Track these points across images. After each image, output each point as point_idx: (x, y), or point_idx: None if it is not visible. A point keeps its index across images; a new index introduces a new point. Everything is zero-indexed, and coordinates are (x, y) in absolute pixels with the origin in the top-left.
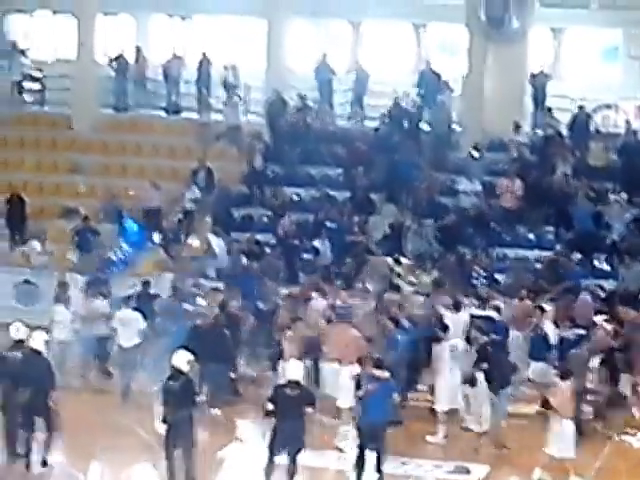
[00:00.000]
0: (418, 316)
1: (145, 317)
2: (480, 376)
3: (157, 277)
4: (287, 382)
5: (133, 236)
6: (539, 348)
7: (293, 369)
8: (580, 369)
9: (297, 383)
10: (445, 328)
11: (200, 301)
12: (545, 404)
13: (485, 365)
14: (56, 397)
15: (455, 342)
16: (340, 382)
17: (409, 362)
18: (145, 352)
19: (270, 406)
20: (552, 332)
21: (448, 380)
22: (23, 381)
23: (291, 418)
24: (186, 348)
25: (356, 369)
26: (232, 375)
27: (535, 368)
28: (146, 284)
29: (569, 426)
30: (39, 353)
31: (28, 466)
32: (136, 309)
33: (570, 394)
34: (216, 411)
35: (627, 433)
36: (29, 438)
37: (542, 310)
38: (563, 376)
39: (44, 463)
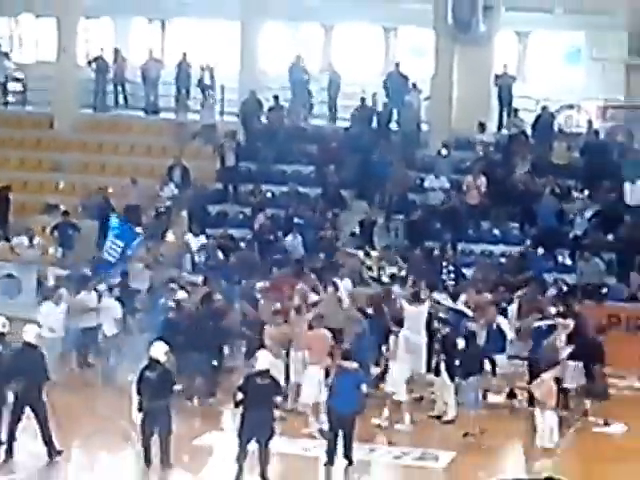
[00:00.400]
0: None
1: (124, 305)
2: (442, 366)
3: (138, 272)
4: (257, 372)
5: (122, 232)
6: (495, 340)
7: (263, 359)
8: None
9: (267, 372)
10: (399, 320)
11: (180, 294)
12: (531, 400)
13: (443, 356)
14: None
15: (407, 333)
16: (306, 379)
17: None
18: (124, 342)
19: (240, 395)
20: (506, 325)
21: (403, 370)
22: (16, 373)
23: (260, 407)
24: (166, 340)
25: (323, 366)
26: (214, 365)
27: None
28: (124, 275)
29: (553, 417)
30: (33, 346)
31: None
32: (117, 299)
33: (553, 386)
34: (194, 400)
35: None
36: (15, 428)
37: (497, 304)
38: (545, 368)
39: (50, 454)
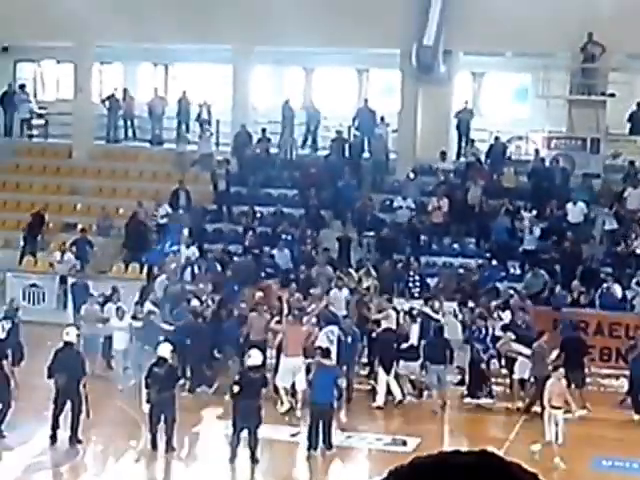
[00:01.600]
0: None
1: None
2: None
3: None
4: (250, 367)
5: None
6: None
7: (255, 356)
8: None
9: (258, 367)
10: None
11: (195, 302)
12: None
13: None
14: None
15: (332, 329)
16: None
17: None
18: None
19: (236, 388)
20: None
21: None
22: (58, 370)
23: (251, 397)
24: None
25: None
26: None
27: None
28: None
29: (562, 417)
30: (71, 345)
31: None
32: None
33: (563, 386)
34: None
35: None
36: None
37: (410, 315)
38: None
39: (71, 440)
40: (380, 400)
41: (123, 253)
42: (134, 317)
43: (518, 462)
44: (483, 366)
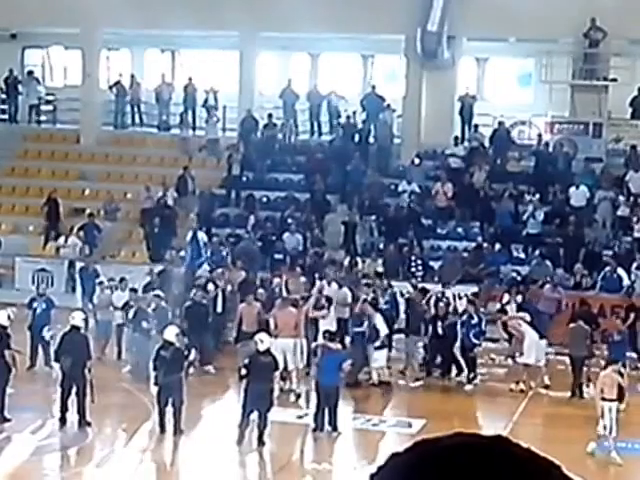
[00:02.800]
0: None
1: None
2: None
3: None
4: (261, 351)
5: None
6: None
7: (265, 340)
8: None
9: (268, 351)
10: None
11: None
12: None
13: None
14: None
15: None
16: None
17: None
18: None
19: (244, 371)
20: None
21: None
22: (64, 353)
23: (262, 381)
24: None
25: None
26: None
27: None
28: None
29: (614, 407)
30: (78, 329)
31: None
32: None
33: (616, 378)
34: (209, 368)
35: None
36: (67, 400)
37: (373, 305)
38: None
39: (80, 423)
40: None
41: (137, 238)
42: (126, 304)
43: (532, 449)
44: (474, 352)
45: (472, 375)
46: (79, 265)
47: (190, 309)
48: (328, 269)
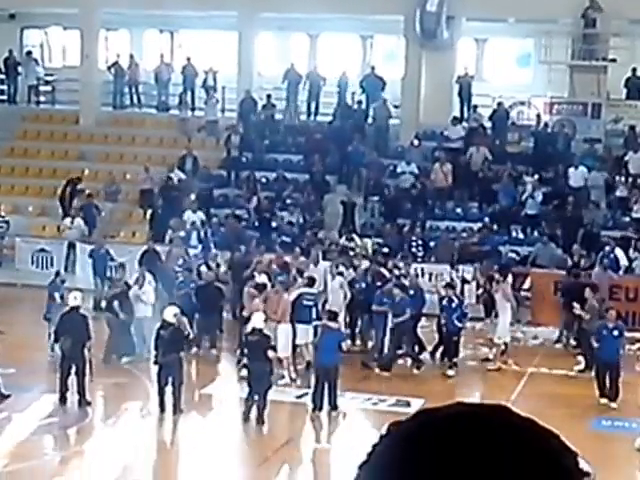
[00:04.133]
0: None
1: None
2: None
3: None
4: (251, 330)
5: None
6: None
7: (256, 319)
8: None
9: (259, 330)
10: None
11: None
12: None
13: None
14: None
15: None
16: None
17: None
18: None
19: (245, 350)
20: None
21: None
22: (63, 333)
23: (256, 360)
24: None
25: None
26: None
27: None
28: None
29: None
30: (77, 309)
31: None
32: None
33: None
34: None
35: None
36: (67, 379)
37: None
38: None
39: (80, 402)
40: None
41: (137, 218)
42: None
43: (532, 418)
44: (459, 335)
45: (455, 360)
46: (90, 247)
47: (202, 289)
48: (314, 249)
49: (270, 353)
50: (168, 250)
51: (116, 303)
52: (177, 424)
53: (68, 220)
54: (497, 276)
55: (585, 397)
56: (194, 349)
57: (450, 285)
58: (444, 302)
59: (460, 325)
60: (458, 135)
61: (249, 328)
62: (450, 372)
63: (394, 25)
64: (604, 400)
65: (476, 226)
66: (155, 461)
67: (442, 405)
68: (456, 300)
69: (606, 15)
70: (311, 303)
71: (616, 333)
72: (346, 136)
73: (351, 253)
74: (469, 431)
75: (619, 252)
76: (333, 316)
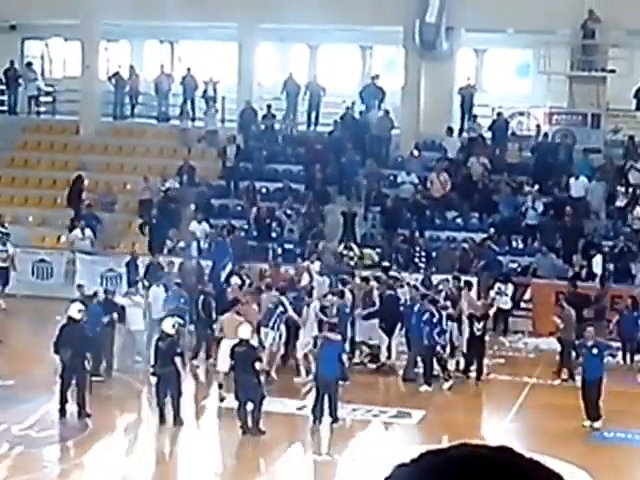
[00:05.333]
0: None
1: None
2: None
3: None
4: (238, 341)
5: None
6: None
7: (241, 331)
8: None
9: (246, 341)
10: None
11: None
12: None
13: None
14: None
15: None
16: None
17: None
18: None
19: (231, 362)
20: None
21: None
22: (63, 345)
23: (243, 371)
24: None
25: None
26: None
27: None
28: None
29: None
30: (76, 321)
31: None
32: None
33: None
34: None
35: None
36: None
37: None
38: None
39: (79, 414)
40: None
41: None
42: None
43: (537, 459)
44: (439, 350)
45: (446, 374)
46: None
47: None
48: (310, 260)
49: (257, 364)
50: (180, 263)
51: (115, 315)
52: (177, 436)
53: (78, 231)
54: (462, 286)
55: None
56: (193, 361)
57: (431, 300)
58: (425, 316)
59: (439, 340)
60: (454, 145)
61: (236, 339)
62: (423, 388)
63: (393, 36)
64: (587, 422)
65: (477, 236)
66: (155, 473)
67: (447, 446)
68: (437, 315)
69: (605, 26)
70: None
71: (595, 351)
72: (345, 146)
73: (351, 263)
74: (474, 474)
75: (597, 259)
76: (333, 327)
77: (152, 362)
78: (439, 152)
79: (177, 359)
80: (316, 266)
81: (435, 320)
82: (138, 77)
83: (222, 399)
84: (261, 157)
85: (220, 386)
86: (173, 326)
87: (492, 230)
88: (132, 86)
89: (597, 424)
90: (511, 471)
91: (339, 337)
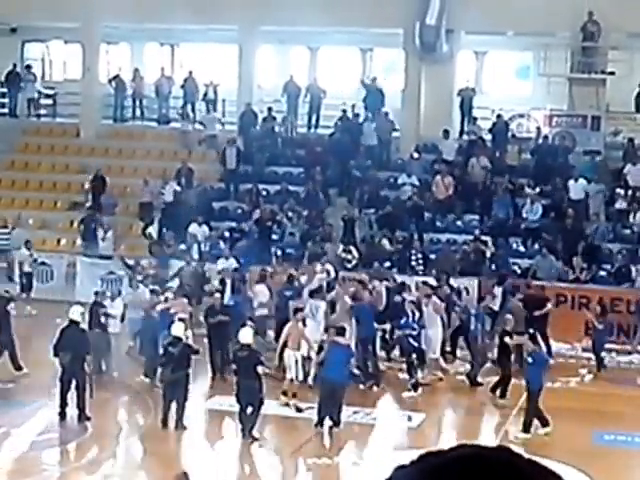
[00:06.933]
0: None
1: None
2: None
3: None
4: (239, 346)
5: None
6: None
7: (243, 335)
8: None
9: (247, 346)
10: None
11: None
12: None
13: None
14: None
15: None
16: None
17: None
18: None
19: (234, 366)
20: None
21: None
22: (63, 348)
23: (245, 376)
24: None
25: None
26: None
27: None
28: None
29: None
30: (77, 323)
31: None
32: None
33: None
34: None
35: None
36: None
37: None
38: None
39: (79, 417)
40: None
41: (137, 231)
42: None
43: (536, 460)
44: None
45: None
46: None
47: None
48: (320, 262)
49: (259, 368)
50: (180, 267)
51: (103, 319)
52: (178, 440)
53: (101, 232)
54: (428, 289)
55: (587, 411)
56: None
57: (415, 302)
58: (402, 317)
59: (415, 344)
60: (450, 148)
61: (238, 342)
62: (407, 394)
63: (394, 38)
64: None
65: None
66: (155, 477)
67: (446, 448)
68: (411, 317)
69: (605, 28)
70: None
71: (530, 360)
72: (346, 149)
73: (348, 265)
74: (474, 474)
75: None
76: (341, 331)
77: (160, 367)
78: (439, 154)
79: (190, 364)
80: (329, 267)
81: (411, 322)
82: (142, 80)
83: (299, 410)
84: (261, 160)
85: (294, 395)
86: (184, 331)
87: (478, 232)
88: (136, 89)
89: (523, 435)
90: (510, 471)
91: (347, 341)
